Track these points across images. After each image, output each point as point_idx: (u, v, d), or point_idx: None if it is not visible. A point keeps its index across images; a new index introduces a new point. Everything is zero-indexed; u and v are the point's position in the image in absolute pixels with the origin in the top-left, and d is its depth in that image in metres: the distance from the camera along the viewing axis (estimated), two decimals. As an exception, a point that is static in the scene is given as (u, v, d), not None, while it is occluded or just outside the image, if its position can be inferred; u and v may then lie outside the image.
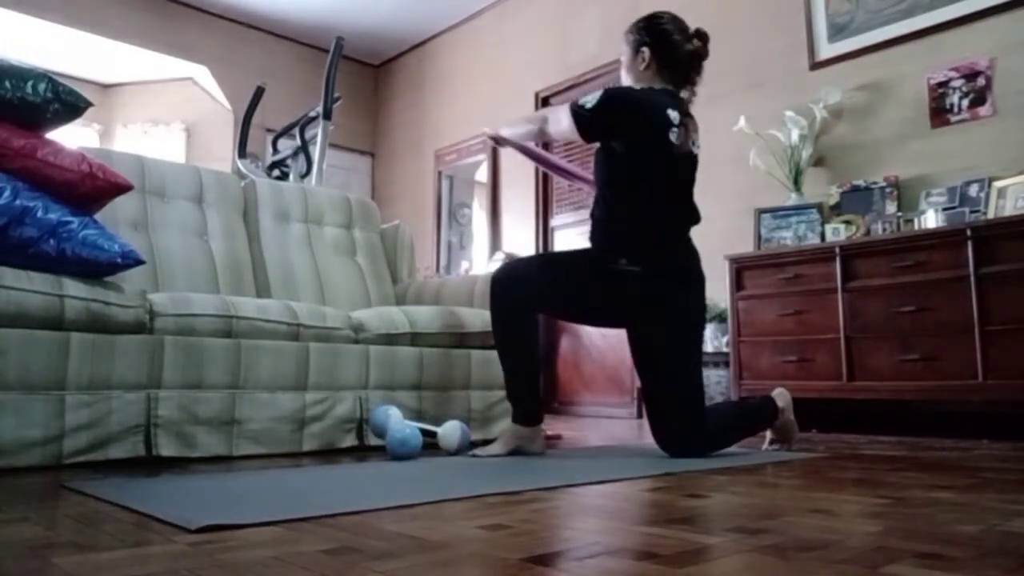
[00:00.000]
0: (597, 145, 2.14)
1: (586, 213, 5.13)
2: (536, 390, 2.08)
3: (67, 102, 1.87)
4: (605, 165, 2.10)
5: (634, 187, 2.05)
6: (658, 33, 2.13)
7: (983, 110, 3.10)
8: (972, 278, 2.67)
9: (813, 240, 3.32)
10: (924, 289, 2.80)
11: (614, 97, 2.03)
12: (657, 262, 2.04)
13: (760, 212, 3.56)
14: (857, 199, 3.37)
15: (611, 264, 2.03)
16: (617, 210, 2.07)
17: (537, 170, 5.17)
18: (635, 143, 2.03)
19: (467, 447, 2.16)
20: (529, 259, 2.37)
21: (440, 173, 6.03)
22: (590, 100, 2.03)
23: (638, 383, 2.40)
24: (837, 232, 3.22)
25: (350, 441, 2.25)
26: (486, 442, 2.52)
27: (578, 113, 2.03)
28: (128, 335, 1.91)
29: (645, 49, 2.13)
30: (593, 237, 2.14)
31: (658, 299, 2.03)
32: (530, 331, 2.09)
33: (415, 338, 2.47)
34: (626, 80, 2.18)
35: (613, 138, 2.06)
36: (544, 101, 5.20)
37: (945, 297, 2.74)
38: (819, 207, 3.41)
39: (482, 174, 5.71)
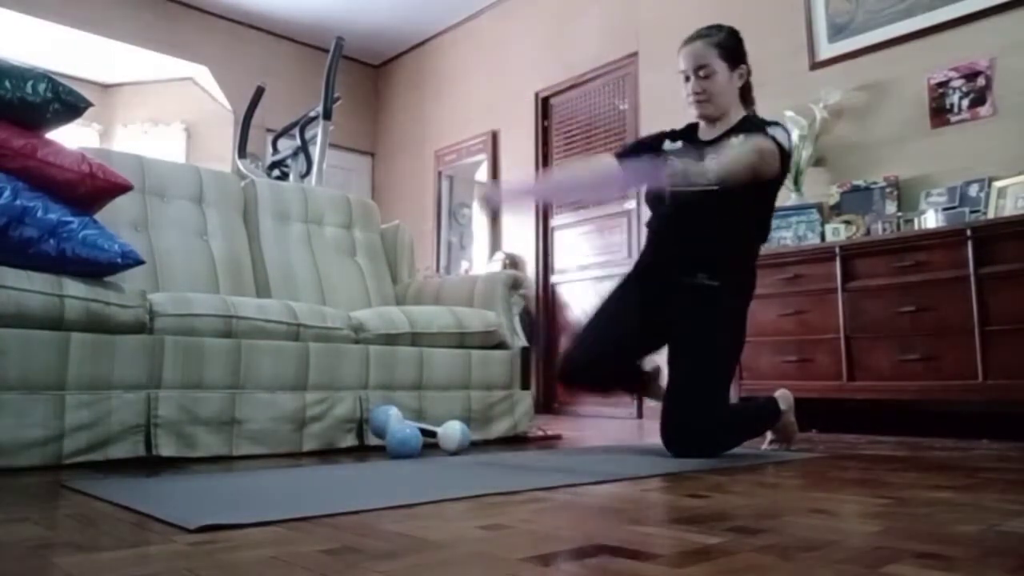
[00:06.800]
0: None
1: (586, 214, 5.07)
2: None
3: (67, 102, 1.87)
4: (744, 210, 2.01)
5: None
6: (745, 51, 2.10)
7: (983, 110, 3.10)
8: (972, 278, 2.67)
9: (813, 240, 3.32)
10: (924, 289, 2.79)
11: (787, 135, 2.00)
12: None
13: (760, 212, 3.56)
14: (857, 199, 3.36)
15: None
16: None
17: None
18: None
19: (467, 447, 2.16)
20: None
21: (440, 173, 6.03)
22: (782, 135, 1.94)
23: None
24: (837, 232, 3.21)
25: (350, 441, 2.25)
26: (486, 442, 2.53)
27: (783, 150, 1.94)
28: (128, 335, 1.91)
29: (744, 66, 2.10)
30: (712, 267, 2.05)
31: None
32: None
33: (415, 338, 2.47)
34: (719, 98, 2.06)
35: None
36: (544, 101, 5.20)
37: (945, 297, 2.74)
38: (819, 207, 3.41)
39: (482, 174, 5.71)
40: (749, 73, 2.11)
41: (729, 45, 2.07)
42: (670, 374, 2.05)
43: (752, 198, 1.99)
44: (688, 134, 2.20)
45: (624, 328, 2.10)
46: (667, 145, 2.19)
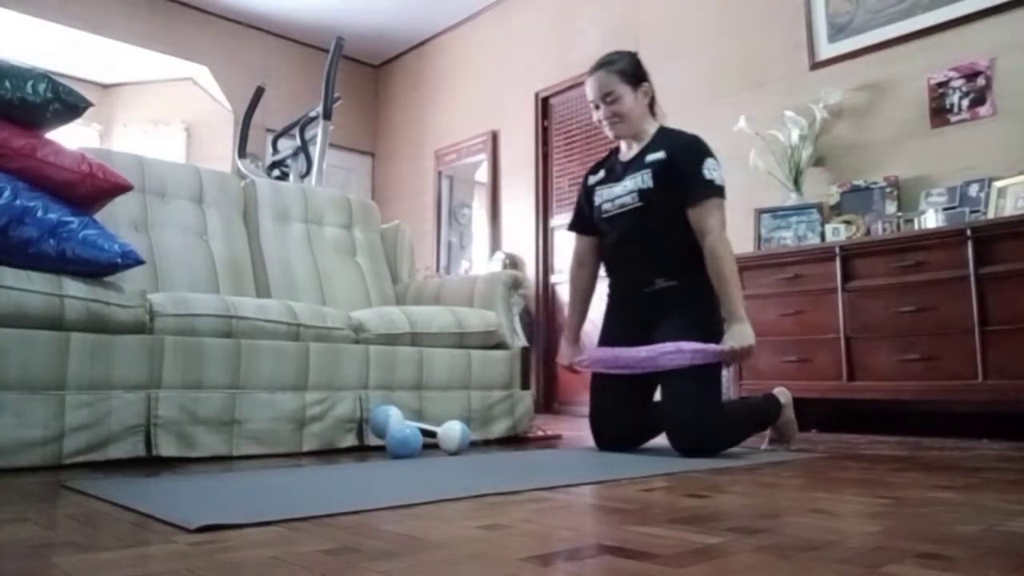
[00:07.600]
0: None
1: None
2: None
3: (67, 102, 1.87)
4: (677, 213, 2.13)
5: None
6: (645, 70, 2.25)
7: (983, 110, 3.10)
8: (972, 278, 2.67)
9: (813, 240, 3.32)
10: (924, 289, 2.79)
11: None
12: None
13: (760, 212, 3.56)
14: (857, 199, 3.36)
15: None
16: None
17: (537, 170, 5.17)
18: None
19: (467, 447, 2.16)
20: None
21: (440, 173, 6.03)
22: (717, 174, 2.10)
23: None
24: (837, 232, 3.21)
25: (350, 441, 2.25)
26: (486, 442, 2.53)
27: (722, 195, 2.11)
28: (128, 335, 1.91)
29: (647, 84, 2.24)
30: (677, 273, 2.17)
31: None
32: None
33: (415, 338, 2.47)
34: (628, 117, 2.20)
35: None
36: (544, 101, 5.20)
37: (945, 297, 2.74)
38: (819, 207, 3.41)
39: (482, 174, 5.71)
40: (652, 89, 2.26)
41: (629, 69, 2.22)
42: (663, 376, 2.09)
43: (676, 206, 2.12)
44: (609, 159, 2.35)
45: (629, 384, 2.18)
46: (591, 180, 2.35)
